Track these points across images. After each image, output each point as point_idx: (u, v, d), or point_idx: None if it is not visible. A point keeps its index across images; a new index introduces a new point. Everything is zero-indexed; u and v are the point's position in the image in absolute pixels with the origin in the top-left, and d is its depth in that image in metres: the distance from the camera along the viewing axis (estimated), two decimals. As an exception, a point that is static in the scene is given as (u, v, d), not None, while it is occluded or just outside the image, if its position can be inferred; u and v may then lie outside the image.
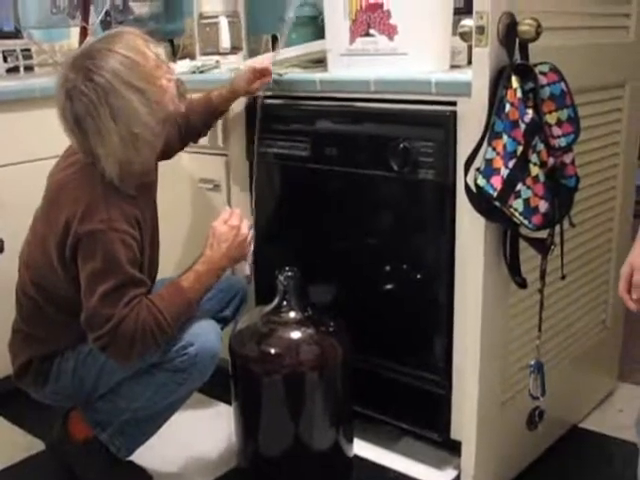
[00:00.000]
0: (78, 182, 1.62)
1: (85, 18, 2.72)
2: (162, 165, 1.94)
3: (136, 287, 1.58)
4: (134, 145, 1.58)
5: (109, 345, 1.56)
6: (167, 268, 1.87)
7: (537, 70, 1.48)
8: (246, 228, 1.75)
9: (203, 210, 2.18)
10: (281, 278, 1.77)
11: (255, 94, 1.94)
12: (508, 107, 1.45)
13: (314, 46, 2.08)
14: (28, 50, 2.70)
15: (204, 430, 2.09)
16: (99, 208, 1.56)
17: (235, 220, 1.73)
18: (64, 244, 1.58)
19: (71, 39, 2.91)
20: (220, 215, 1.76)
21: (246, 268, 1.87)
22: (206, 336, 1.69)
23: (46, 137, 2.19)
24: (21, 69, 2.65)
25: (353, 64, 1.86)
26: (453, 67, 1.89)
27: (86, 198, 1.58)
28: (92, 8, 2.76)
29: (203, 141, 2.08)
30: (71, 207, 1.58)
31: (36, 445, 1.99)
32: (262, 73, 1.91)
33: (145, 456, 1.86)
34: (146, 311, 1.57)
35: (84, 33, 2.75)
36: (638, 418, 1.29)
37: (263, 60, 2.02)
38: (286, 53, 2.12)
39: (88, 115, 1.54)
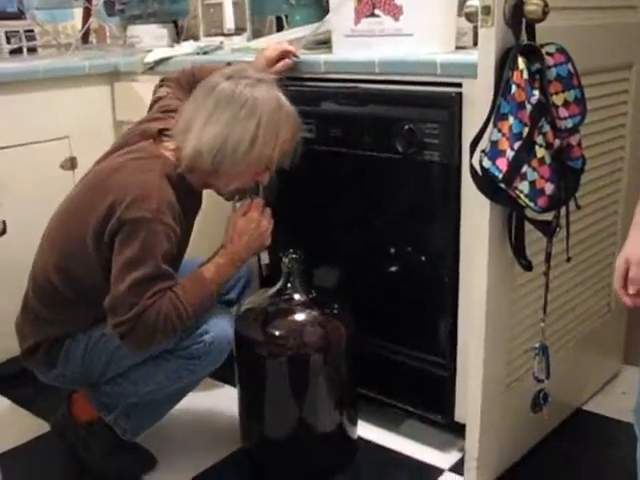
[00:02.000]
0: (136, 169, 1.62)
1: (88, -1, 2.70)
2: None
3: (166, 280, 1.58)
4: (221, 152, 1.61)
5: (129, 332, 1.56)
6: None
7: (544, 51, 1.47)
8: (266, 220, 1.73)
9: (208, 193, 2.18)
10: (285, 260, 1.77)
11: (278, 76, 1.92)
12: (514, 88, 1.44)
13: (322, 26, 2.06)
14: (31, 31, 2.69)
15: (208, 412, 2.10)
16: (151, 198, 1.56)
17: (255, 212, 1.72)
18: (104, 226, 1.58)
19: (75, 20, 2.90)
20: (239, 206, 1.76)
21: (266, 257, 1.86)
22: (221, 324, 1.70)
23: (49, 119, 2.20)
24: (24, 50, 2.64)
25: (358, 45, 1.84)
26: (458, 48, 1.87)
27: (140, 185, 1.58)
28: (96, -11, 2.74)
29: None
30: (120, 191, 1.57)
31: (42, 427, 2.00)
32: (285, 54, 1.90)
33: (149, 438, 1.87)
34: (169, 303, 1.56)
35: (87, 14, 2.74)
36: (637, 405, 1.28)
37: (278, 42, 1.99)
38: (294, 34, 2.11)
39: (230, 104, 1.60)
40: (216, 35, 2.52)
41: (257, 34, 2.63)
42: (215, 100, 1.62)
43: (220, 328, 1.68)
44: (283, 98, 1.67)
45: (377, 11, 1.79)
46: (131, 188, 1.57)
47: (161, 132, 1.71)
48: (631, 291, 1.23)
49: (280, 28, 2.65)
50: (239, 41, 2.47)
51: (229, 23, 2.51)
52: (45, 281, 1.70)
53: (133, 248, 1.55)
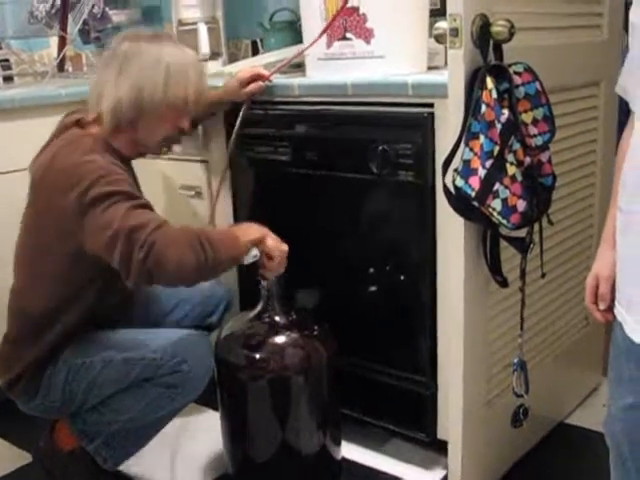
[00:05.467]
0: (70, 152, 1.62)
1: (63, 27, 2.71)
2: (142, 172, 1.94)
3: (150, 209, 1.58)
4: (140, 99, 1.65)
5: (155, 246, 1.47)
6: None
7: (512, 70, 1.49)
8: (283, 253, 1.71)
9: (186, 217, 2.18)
10: (264, 283, 1.77)
11: (250, 98, 1.94)
12: (484, 108, 1.46)
13: (295, 50, 2.08)
14: (7, 60, 2.70)
15: (191, 437, 2.09)
16: (95, 162, 1.58)
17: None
18: (71, 217, 1.56)
19: (50, 48, 2.91)
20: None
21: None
22: (200, 352, 1.70)
23: (26, 148, 2.17)
24: (0, 79, 2.64)
25: (331, 68, 1.86)
26: (431, 68, 1.90)
27: (78, 164, 1.58)
28: (70, 17, 2.75)
29: (184, 148, 2.08)
30: (67, 177, 1.57)
31: (22, 457, 1.98)
32: (257, 77, 1.92)
33: (132, 464, 1.86)
34: (183, 228, 1.56)
35: (63, 42, 2.74)
36: (606, 417, 1.30)
37: (251, 66, 2.02)
38: (268, 58, 2.13)
39: (135, 58, 1.66)
40: (192, 60, 2.54)
41: (233, 59, 2.66)
42: (119, 60, 1.67)
43: (198, 357, 1.68)
44: (181, 45, 1.75)
45: (349, 34, 1.82)
46: (71, 171, 1.58)
47: (79, 121, 1.73)
48: (602, 307, 1.25)
49: (255, 52, 2.68)
50: (215, 66, 2.49)
51: (204, 48, 2.53)
52: (20, 299, 1.73)
53: (100, 191, 1.53)
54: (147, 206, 1.58)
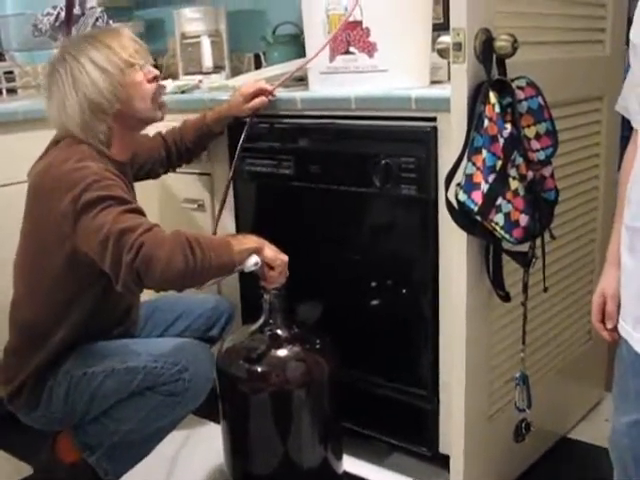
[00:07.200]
0: (64, 156, 1.63)
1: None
2: (146, 186, 1.95)
3: (142, 214, 1.58)
4: (94, 113, 1.64)
5: (143, 247, 1.47)
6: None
7: (514, 85, 1.50)
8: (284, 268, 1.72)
9: (188, 230, 2.18)
10: (266, 296, 1.77)
11: (254, 113, 1.94)
12: (487, 122, 1.46)
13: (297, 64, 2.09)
14: (11, 72, 2.70)
15: (193, 449, 2.08)
16: (89, 168, 1.57)
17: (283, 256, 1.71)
18: (64, 224, 1.57)
19: (54, 61, 2.92)
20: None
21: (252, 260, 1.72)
22: (201, 362, 1.70)
23: (29, 160, 2.18)
24: (4, 92, 2.65)
25: (334, 82, 1.87)
26: (434, 82, 1.91)
27: (77, 165, 1.58)
28: (74, 30, 2.76)
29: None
30: (66, 177, 1.58)
31: (24, 469, 1.98)
32: (260, 92, 1.93)
33: (133, 477, 1.85)
34: (173, 232, 1.54)
35: (67, 55, 2.75)
36: (611, 433, 1.30)
37: (254, 81, 2.02)
38: (272, 71, 2.14)
39: (54, 84, 1.66)
40: (195, 74, 2.55)
41: (236, 72, 2.66)
42: (57, 87, 1.66)
43: (199, 365, 1.68)
44: (87, 34, 1.76)
45: (352, 48, 1.82)
46: (65, 177, 1.58)
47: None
48: (609, 326, 1.25)
49: (258, 65, 2.69)
50: (217, 79, 2.50)
51: (207, 61, 2.54)
52: (19, 309, 1.73)
53: (92, 195, 1.53)
54: (139, 211, 1.58)
